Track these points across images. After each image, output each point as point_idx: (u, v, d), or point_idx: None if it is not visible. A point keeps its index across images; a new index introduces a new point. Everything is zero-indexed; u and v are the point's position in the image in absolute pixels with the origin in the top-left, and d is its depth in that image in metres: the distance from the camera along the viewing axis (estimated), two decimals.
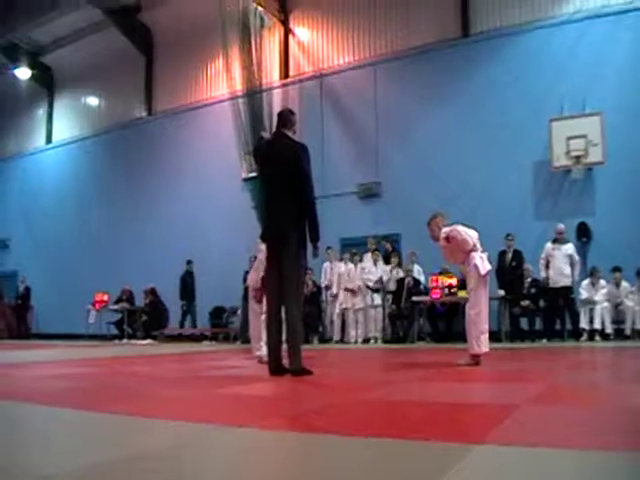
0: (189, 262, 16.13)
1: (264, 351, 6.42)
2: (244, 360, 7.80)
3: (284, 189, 5.51)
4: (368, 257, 13.46)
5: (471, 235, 6.37)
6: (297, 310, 5.47)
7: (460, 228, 6.39)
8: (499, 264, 12.10)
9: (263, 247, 6.86)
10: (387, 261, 13.40)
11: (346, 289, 13.31)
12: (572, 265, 11.35)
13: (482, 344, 6.10)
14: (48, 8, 18.35)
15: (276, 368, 5.41)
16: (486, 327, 6.18)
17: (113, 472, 2.05)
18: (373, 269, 13.24)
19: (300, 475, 2.06)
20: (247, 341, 13.97)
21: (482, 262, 6.28)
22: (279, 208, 5.55)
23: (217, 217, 16.64)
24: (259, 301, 7.56)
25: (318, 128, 15.78)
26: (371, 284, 13.12)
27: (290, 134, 5.79)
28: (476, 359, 6.11)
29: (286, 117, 5.89)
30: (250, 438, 2.68)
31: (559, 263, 11.36)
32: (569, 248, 11.41)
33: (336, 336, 13.46)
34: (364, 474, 2.02)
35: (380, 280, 13.11)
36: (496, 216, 12.59)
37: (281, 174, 5.54)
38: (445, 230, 6.32)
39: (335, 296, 13.55)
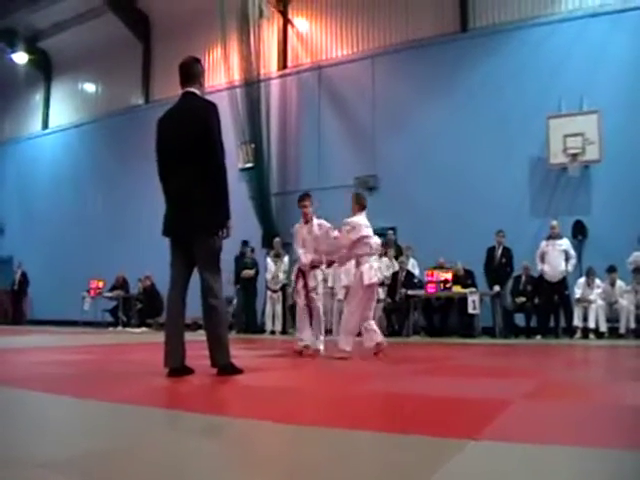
0: (245, 243, 14.70)
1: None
2: (239, 350, 7.79)
3: (189, 163, 4.55)
4: None
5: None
6: (219, 288, 4.66)
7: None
8: (487, 260, 12.16)
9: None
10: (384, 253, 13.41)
11: (345, 287, 13.17)
12: (567, 260, 11.40)
13: (351, 343, 6.58)
14: None
15: (177, 366, 4.55)
16: (357, 329, 6.65)
17: (112, 461, 2.06)
18: (375, 264, 13.19)
19: (291, 466, 2.08)
20: (241, 330, 14.08)
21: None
22: (184, 190, 4.58)
23: None
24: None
25: (315, 120, 15.79)
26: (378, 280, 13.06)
27: (197, 91, 4.82)
28: (348, 354, 6.48)
29: (188, 69, 4.86)
30: (243, 429, 2.70)
31: (554, 259, 11.40)
32: (563, 244, 11.44)
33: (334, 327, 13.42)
34: (353, 467, 2.03)
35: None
36: (492, 212, 12.61)
37: (185, 145, 4.56)
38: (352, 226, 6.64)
39: (332, 288, 13.51)
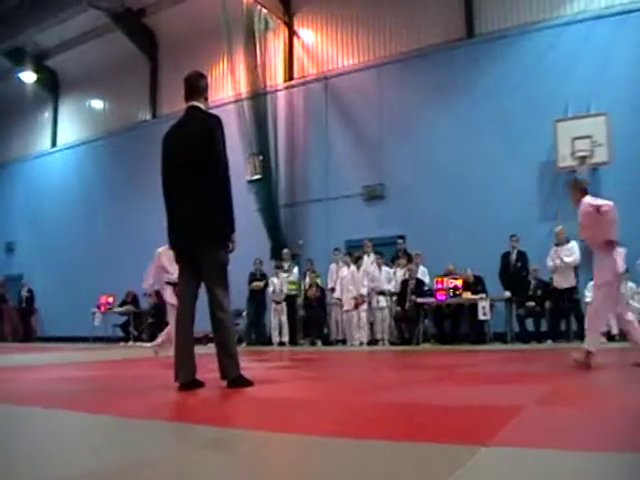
0: (261, 262, 14.66)
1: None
2: (249, 362, 7.78)
3: (194, 176, 4.55)
4: (366, 260, 13.38)
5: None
6: (227, 301, 4.62)
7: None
8: (503, 265, 12.09)
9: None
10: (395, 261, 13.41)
11: (354, 298, 13.07)
12: (576, 267, 11.30)
13: (598, 342, 5.90)
14: (53, 11, 18.36)
15: (188, 380, 4.56)
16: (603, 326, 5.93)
17: (123, 477, 2.05)
18: (377, 274, 13.19)
19: (300, 478, 2.06)
20: (252, 343, 14.06)
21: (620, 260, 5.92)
22: (189, 203, 4.58)
23: None
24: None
25: (323, 130, 15.81)
26: (379, 289, 13.06)
27: (201, 105, 4.86)
28: (589, 357, 5.79)
29: (192, 84, 4.87)
30: (254, 441, 2.68)
31: (562, 264, 11.32)
32: (572, 247, 11.35)
33: (349, 338, 13.29)
34: (365, 476, 2.01)
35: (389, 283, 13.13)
36: (501, 218, 12.56)
37: (190, 158, 4.57)
38: (597, 202, 5.99)
39: (339, 300, 13.44)
